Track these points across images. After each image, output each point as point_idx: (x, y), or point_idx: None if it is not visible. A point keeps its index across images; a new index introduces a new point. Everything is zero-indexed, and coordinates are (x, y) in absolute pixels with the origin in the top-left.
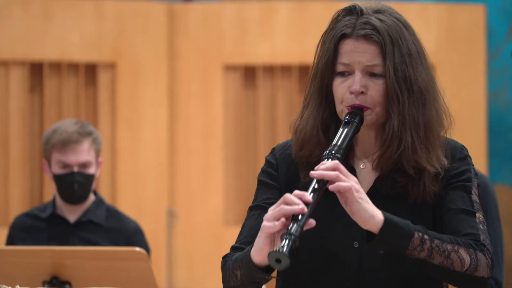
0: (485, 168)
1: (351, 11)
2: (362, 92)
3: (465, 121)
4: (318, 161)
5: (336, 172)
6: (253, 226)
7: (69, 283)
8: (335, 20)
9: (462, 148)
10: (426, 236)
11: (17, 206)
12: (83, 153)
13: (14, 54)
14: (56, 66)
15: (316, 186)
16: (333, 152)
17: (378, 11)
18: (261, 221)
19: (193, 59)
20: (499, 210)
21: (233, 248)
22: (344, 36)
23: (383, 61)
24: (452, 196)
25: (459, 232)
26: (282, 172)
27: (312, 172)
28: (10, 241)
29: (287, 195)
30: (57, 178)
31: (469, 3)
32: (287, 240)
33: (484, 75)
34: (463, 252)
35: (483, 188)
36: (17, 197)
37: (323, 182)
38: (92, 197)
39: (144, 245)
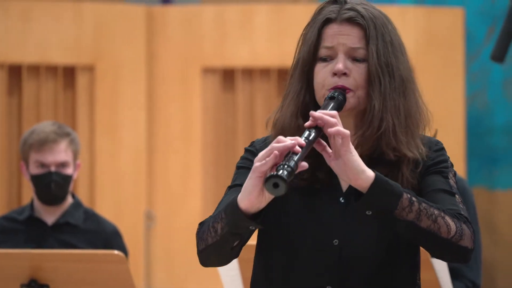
0: (464, 170)
1: (335, 1)
2: (345, 74)
3: (444, 123)
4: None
5: (335, 119)
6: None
7: (47, 286)
8: (319, 11)
9: (438, 142)
10: (414, 198)
11: None
12: (60, 153)
13: None
14: (35, 69)
15: (309, 133)
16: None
17: (362, 3)
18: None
19: (172, 62)
20: (477, 212)
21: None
22: (328, 21)
23: (366, 45)
24: (430, 181)
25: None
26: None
27: (312, 112)
28: None
29: (279, 137)
30: (35, 178)
31: (448, 6)
32: (283, 170)
33: (463, 78)
34: (449, 219)
35: (461, 190)
36: None
37: (318, 130)
38: (70, 200)
39: (122, 247)
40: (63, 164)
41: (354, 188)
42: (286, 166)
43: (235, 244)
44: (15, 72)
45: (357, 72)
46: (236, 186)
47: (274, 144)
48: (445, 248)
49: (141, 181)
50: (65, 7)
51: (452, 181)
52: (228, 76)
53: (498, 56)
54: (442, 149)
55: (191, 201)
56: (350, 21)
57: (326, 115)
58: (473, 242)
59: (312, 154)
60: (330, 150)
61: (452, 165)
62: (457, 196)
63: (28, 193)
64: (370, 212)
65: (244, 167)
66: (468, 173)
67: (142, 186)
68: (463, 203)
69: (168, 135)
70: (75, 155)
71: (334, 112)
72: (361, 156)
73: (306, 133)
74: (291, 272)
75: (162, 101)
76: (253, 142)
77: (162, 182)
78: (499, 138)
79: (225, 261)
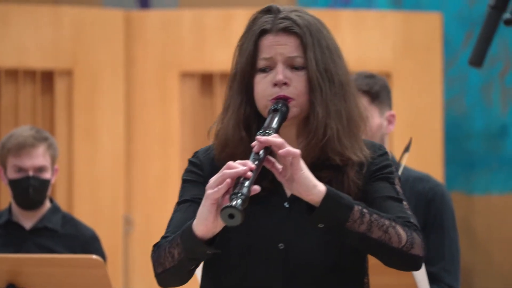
0: (442, 175)
1: (268, 10)
2: (285, 84)
3: (422, 129)
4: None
5: (282, 140)
6: (183, 217)
7: None
8: (253, 21)
9: (381, 146)
10: (365, 210)
11: None
12: (38, 157)
13: None
14: (13, 73)
15: (258, 155)
16: (267, 131)
17: (295, 10)
18: (191, 212)
19: (150, 66)
20: (455, 217)
21: (163, 238)
22: (263, 32)
23: (304, 53)
24: (377, 187)
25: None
26: (207, 172)
27: (258, 137)
28: None
29: (230, 162)
30: (12, 183)
31: (426, 11)
32: (237, 199)
33: (441, 82)
34: (399, 229)
35: (439, 195)
36: None
37: (265, 151)
38: (48, 204)
39: (100, 252)
40: (41, 169)
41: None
42: (239, 195)
43: (193, 267)
44: None
45: (297, 81)
46: (185, 201)
47: (225, 171)
48: (396, 257)
49: (119, 186)
50: (43, 11)
51: (398, 187)
52: (206, 80)
53: (476, 61)
54: (385, 153)
55: (170, 206)
56: (286, 30)
57: (272, 137)
58: (423, 249)
59: None
60: (279, 167)
61: (396, 170)
62: (404, 202)
63: (6, 198)
64: (322, 225)
65: (190, 180)
66: (446, 178)
67: (121, 191)
68: (410, 209)
69: (147, 139)
70: (53, 160)
71: (277, 136)
72: (305, 163)
73: (255, 154)
74: (239, 277)
75: (140, 105)
76: (196, 152)
77: (141, 187)
78: (477, 143)
79: (184, 281)
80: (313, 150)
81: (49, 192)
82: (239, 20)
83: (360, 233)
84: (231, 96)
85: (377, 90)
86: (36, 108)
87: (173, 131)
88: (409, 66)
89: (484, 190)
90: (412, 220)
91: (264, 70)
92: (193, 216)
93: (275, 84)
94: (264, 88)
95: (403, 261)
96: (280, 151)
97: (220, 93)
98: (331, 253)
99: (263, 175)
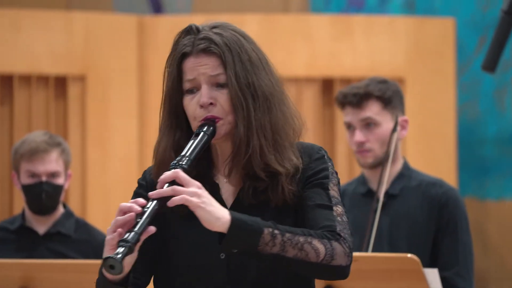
0: (455, 180)
1: (188, 31)
2: (211, 104)
3: (435, 134)
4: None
5: (173, 187)
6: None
7: None
8: (175, 43)
9: (319, 149)
10: (276, 231)
11: None
12: (51, 163)
13: None
14: (26, 79)
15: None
16: (180, 162)
17: (214, 27)
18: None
19: (163, 71)
20: (469, 222)
21: None
22: (185, 55)
23: (225, 71)
24: (309, 194)
25: (316, 225)
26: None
27: (150, 194)
28: None
29: (122, 204)
30: (26, 188)
31: (439, 16)
32: (122, 248)
33: (454, 88)
34: (316, 243)
35: (452, 200)
36: None
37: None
38: (61, 209)
39: None
40: (54, 174)
41: (240, 201)
42: (124, 243)
43: None
44: (6, 82)
45: (222, 99)
46: None
47: (117, 218)
48: (318, 271)
49: (132, 191)
50: (55, 17)
51: (333, 191)
52: None
53: (489, 66)
54: (323, 157)
55: None
56: (205, 51)
57: (166, 179)
58: (347, 257)
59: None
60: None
61: (335, 173)
62: (335, 208)
63: (20, 203)
64: (236, 250)
65: None
66: (460, 184)
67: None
68: (342, 214)
69: None
70: (66, 165)
71: (174, 172)
72: (239, 176)
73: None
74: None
75: (153, 110)
76: (145, 171)
77: None
78: (490, 148)
79: None
80: (238, 166)
81: (62, 198)
82: (251, 25)
83: (274, 254)
84: (163, 119)
85: (390, 96)
86: (49, 113)
87: None
88: (422, 71)
89: (497, 196)
90: (338, 228)
91: (191, 91)
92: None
93: (202, 106)
94: (193, 110)
95: (326, 273)
96: (168, 204)
97: None
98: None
99: (227, 167)
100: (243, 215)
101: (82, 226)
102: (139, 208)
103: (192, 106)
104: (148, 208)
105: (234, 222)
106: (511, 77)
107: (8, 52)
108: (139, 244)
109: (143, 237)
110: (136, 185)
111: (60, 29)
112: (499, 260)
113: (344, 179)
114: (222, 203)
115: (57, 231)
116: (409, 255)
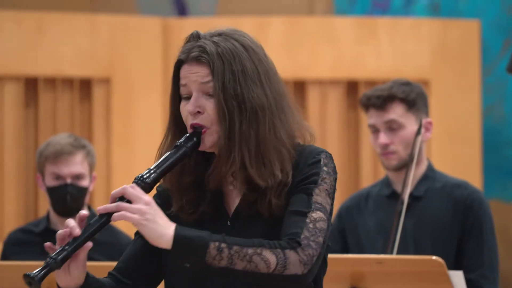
0: (480, 183)
1: (190, 38)
2: (199, 112)
3: (460, 136)
4: (184, 186)
5: (117, 203)
6: (131, 250)
7: None
8: (180, 48)
9: (318, 153)
10: (223, 245)
11: (12, 221)
12: (76, 165)
13: (8, 69)
14: (51, 81)
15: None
16: (144, 177)
17: (217, 35)
18: (138, 245)
19: None
20: (494, 224)
21: (108, 273)
22: (180, 62)
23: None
24: (292, 200)
25: (284, 233)
26: (164, 198)
27: (97, 208)
28: (4, 256)
29: (68, 220)
30: (50, 190)
31: (463, 18)
32: (45, 264)
33: (479, 90)
34: (267, 254)
35: (477, 202)
36: (12, 213)
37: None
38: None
39: None
40: (79, 176)
41: (240, 209)
42: (51, 260)
43: None
44: (31, 84)
45: (210, 108)
46: (136, 233)
47: (58, 232)
48: (271, 282)
49: (155, 193)
50: (80, 19)
51: (318, 197)
52: None
53: None
54: (318, 161)
55: None
56: (197, 60)
57: (114, 196)
58: (304, 265)
59: (188, 191)
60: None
61: (331, 178)
62: (312, 213)
63: (45, 205)
64: (188, 264)
65: None
66: (485, 186)
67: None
68: (317, 220)
69: None
70: (91, 167)
71: (122, 189)
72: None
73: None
74: None
75: None
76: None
77: None
78: None
79: None
80: (214, 179)
81: (87, 200)
82: (275, 28)
83: (222, 267)
84: (168, 121)
85: (414, 98)
86: (74, 116)
87: None
88: (447, 73)
89: None
90: (302, 236)
91: (186, 98)
92: (138, 249)
93: (190, 113)
94: (185, 116)
95: (280, 283)
96: (112, 220)
97: None
98: None
99: (201, 198)
100: (190, 230)
101: (107, 228)
102: (74, 225)
103: (185, 112)
104: (94, 222)
105: (176, 238)
106: None
107: (33, 55)
108: (83, 256)
109: (82, 251)
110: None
111: (85, 32)
112: None
113: (368, 181)
114: (224, 212)
115: None
116: (434, 257)
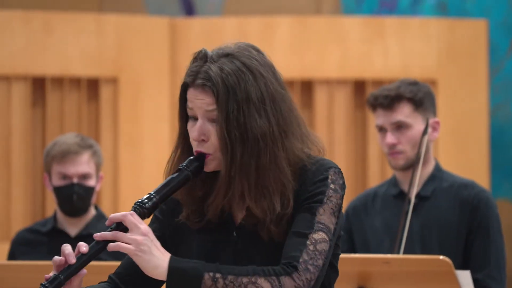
0: (487, 182)
1: (198, 57)
2: (203, 140)
3: (467, 136)
4: (193, 199)
5: (114, 233)
6: (128, 257)
7: None
8: (190, 64)
9: (327, 170)
10: (218, 275)
11: (19, 221)
12: (82, 165)
13: (15, 69)
14: (58, 81)
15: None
16: (143, 203)
17: (226, 55)
18: None
19: None
20: (501, 224)
21: (108, 277)
22: (187, 85)
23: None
24: (296, 219)
25: (284, 255)
26: (169, 207)
27: (95, 235)
28: (12, 256)
29: (64, 245)
30: (57, 190)
31: (471, 18)
32: None
33: (486, 89)
34: (262, 282)
35: (484, 202)
36: (19, 212)
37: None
38: (92, 211)
39: None
40: (85, 176)
41: (246, 222)
42: (45, 286)
43: None
44: (38, 84)
45: (214, 136)
46: None
47: (55, 257)
48: None
49: None
50: (87, 19)
51: (322, 216)
52: None
53: None
54: (326, 178)
55: None
56: (202, 86)
57: (114, 219)
58: None
59: (195, 202)
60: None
61: (338, 196)
62: (314, 234)
63: (52, 205)
64: None
65: (154, 214)
66: (492, 185)
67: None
68: (319, 241)
69: None
70: (98, 167)
71: (122, 216)
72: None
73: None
74: None
75: None
76: None
77: None
78: None
79: None
80: (214, 209)
81: (93, 200)
82: (282, 28)
83: None
84: (178, 134)
85: (421, 97)
86: (81, 115)
87: None
88: (454, 73)
89: None
90: (301, 259)
91: (193, 119)
92: None
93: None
94: (192, 138)
95: None
96: (107, 248)
97: None
98: None
99: (207, 207)
100: (185, 261)
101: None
102: (69, 253)
103: (192, 133)
104: (90, 249)
105: (171, 270)
106: None
107: (40, 54)
108: (77, 282)
109: (74, 279)
110: None
111: (92, 31)
112: None
113: (375, 181)
114: (230, 222)
115: (89, 233)
116: (441, 257)
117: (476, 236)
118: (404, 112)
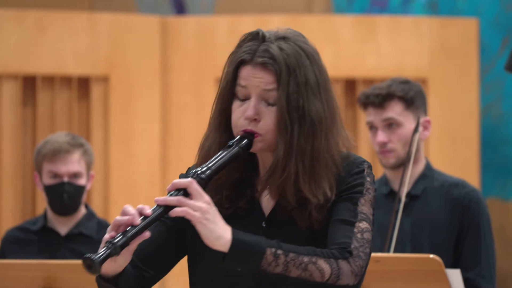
0: (478, 181)
1: (254, 37)
2: (255, 119)
3: (458, 135)
4: (229, 182)
5: (179, 198)
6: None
7: None
8: (240, 43)
9: (361, 163)
10: (279, 251)
11: (9, 219)
12: (73, 163)
13: (7, 68)
14: (49, 80)
15: (159, 208)
16: (200, 173)
17: (282, 38)
18: (156, 232)
19: (186, 72)
20: (491, 223)
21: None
22: (243, 62)
23: (277, 90)
24: (337, 208)
25: (332, 242)
26: None
27: (156, 199)
28: (1, 254)
29: (126, 206)
30: (48, 189)
31: (462, 17)
32: (105, 248)
33: (477, 88)
34: (322, 263)
35: (475, 201)
36: (9, 211)
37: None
38: (83, 210)
39: None
40: (76, 175)
41: (276, 213)
42: (110, 245)
43: None
44: (29, 82)
45: (268, 116)
46: None
47: (116, 218)
48: None
49: (155, 192)
50: (79, 18)
51: (362, 207)
52: None
53: None
54: (362, 171)
55: None
56: (263, 65)
57: (179, 185)
58: (355, 276)
59: (229, 186)
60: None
61: (373, 189)
62: (359, 223)
63: (43, 204)
64: (239, 269)
65: None
66: (482, 184)
67: (157, 197)
68: (364, 231)
69: (183, 145)
70: (89, 166)
71: (188, 182)
72: (269, 194)
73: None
74: None
75: (176, 112)
76: (189, 168)
77: None
78: None
79: None
80: (270, 187)
81: (84, 198)
82: (274, 26)
83: (277, 274)
84: (214, 114)
85: (412, 96)
86: (72, 114)
87: None
88: (445, 72)
89: None
90: (352, 246)
91: (241, 99)
92: (156, 236)
93: (246, 118)
94: (237, 117)
95: None
96: (171, 214)
97: None
98: None
99: (239, 195)
100: (247, 235)
101: (104, 227)
102: (134, 213)
103: (238, 113)
104: (153, 211)
105: (235, 242)
106: None
107: (32, 52)
108: (135, 245)
109: (136, 241)
110: (159, 186)
111: (84, 30)
112: None
113: None
114: (260, 211)
115: (79, 232)
116: (431, 255)
117: (466, 235)
118: (395, 111)
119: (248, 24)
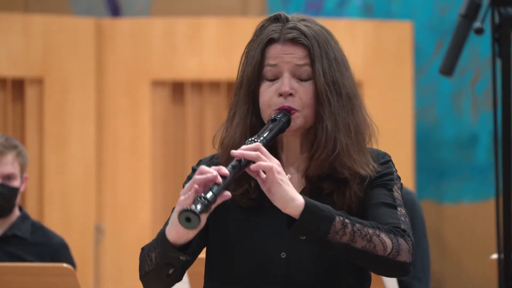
0: (412, 184)
1: (277, 18)
2: (291, 94)
3: (393, 137)
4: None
5: (257, 152)
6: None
7: None
8: (260, 29)
9: (385, 154)
10: (347, 220)
11: None
12: (6, 165)
13: None
14: None
15: (235, 163)
16: (255, 140)
17: (303, 20)
18: None
19: (121, 75)
20: (426, 225)
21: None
22: (271, 41)
23: (312, 64)
24: (374, 194)
25: (382, 222)
26: None
27: (233, 151)
28: None
29: (202, 166)
30: None
31: (396, 20)
32: (200, 203)
33: (411, 91)
34: (384, 236)
35: (409, 204)
36: None
37: (245, 162)
38: (17, 212)
39: (69, 260)
40: (10, 177)
41: (319, 186)
42: (202, 199)
43: (171, 272)
44: None
45: (303, 92)
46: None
47: (196, 176)
48: (383, 265)
49: (90, 194)
50: (13, 19)
51: (396, 193)
52: (177, 89)
53: (447, 70)
54: (389, 161)
55: (140, 214)
56: (294, 41)
57: (248, 150)
58: (411, 255)
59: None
60: (263, 176)
61: (398, 178)
62: (399, 208)
63: None
64: (304, 237)
65: None
66: (417, 187)
67: (91, 199)
68: (406, 216)
69: (117, 148)
70: (22, 168)
71: (257, 145)
72: (310, 175)
73: (234, 162)
74: (240, 285)
75: (111, 114)
76: (200, 160)
77: (111, 195)
78: (447, 151)
79: (166, 286)
80: (322, 163)
81: (18, 200)
82: (209, 29)
83: (343, 243)
84: (237, 104)
85: None
86: (7, 116)
87: (144, 140)
88: (380, 74)
89: (454, 199)
90: (402, 226)
91: (270, 79)
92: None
93: (281, 95)
94: (269, 97)
95: (390, 268)
96: (252, 166)
97: (191, 101)
98: (332, 261)
99: (313, 164)
100: (316, 201)
101: (39, 229)
102: (215, 173)
103: (269, 93)
104: (235, 166)
105: (308, 205)
106: (468, 80)
107: None
108: (214, 205)
109: (220, 200)
110: (94, 188)
111: (18, 32)
112: (456, 263)
113: None
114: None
115: (13, 234)
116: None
117: None
118: None
119: (183, 26)
